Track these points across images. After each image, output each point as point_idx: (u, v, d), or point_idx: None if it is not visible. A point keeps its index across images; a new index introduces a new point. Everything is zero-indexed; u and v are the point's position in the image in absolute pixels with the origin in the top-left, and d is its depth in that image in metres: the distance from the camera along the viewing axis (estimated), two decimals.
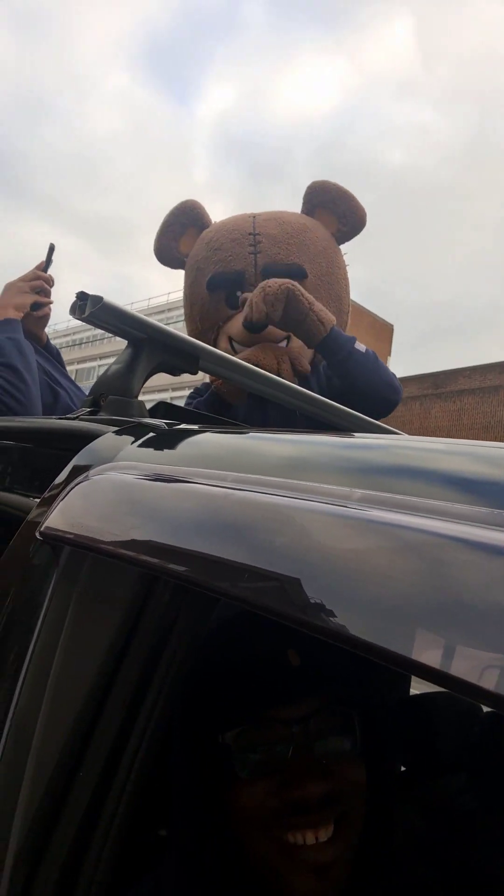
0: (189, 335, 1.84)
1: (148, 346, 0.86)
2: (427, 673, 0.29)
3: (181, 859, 0.64)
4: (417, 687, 0.97)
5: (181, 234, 1.83)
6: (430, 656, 0.29)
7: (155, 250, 1.85)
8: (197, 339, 1.76)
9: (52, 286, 1.53)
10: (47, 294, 1.52)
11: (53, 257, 1.54)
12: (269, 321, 1.49)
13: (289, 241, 1.68)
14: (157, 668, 0.49)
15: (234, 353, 1.63)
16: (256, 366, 1.51)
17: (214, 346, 1.69)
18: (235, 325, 1.66)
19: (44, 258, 1.54)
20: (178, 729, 0.64)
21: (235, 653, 0.65)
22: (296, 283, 1.51)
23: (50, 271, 1.54)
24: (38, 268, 1.54)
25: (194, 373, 0.95)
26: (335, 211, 1.78)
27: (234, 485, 0.48)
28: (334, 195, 1.77)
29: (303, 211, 1.81)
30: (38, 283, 1.52)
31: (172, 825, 0.68)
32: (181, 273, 1.88)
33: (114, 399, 0.80)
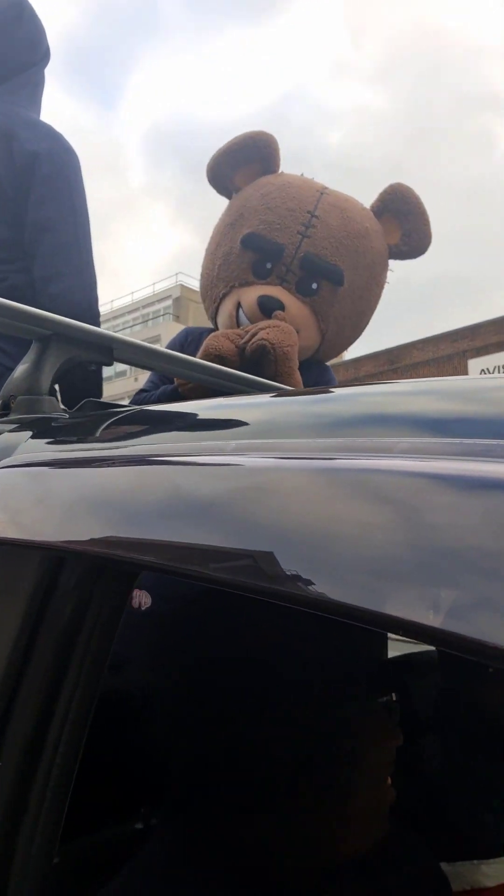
0: (202, 269, 1.69)
1: (54, 341, 0.84)
2: (408, 630, 0.26)
3: (169, 842, 0.63)
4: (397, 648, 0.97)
5: (242, 165, 1.63)
6: (409, 612, 0.26)
7: (209, 168, 1.64)
8: (208, 282, 1.62)
9: None
10: None
11: None
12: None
13: (343, 241, 1.52)
14: (72, 651, 0.48)
15: (237, 320, 1.52)
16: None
17: (220, 300, 1.58)
18: (250, 295, 1.51)
19: None
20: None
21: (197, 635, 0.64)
22: (290, 348, 1.36)
23: None
24: None
25: (109, 364, 0.94)
26: (404, 225, 1.62)
27: (125, 459, 0.48)
28: (412, 208, 1.61)
29: (373, 207, 1.64)
30: None
31: (161, 809, 0.67)
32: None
33: (23, 399, 0.79)
